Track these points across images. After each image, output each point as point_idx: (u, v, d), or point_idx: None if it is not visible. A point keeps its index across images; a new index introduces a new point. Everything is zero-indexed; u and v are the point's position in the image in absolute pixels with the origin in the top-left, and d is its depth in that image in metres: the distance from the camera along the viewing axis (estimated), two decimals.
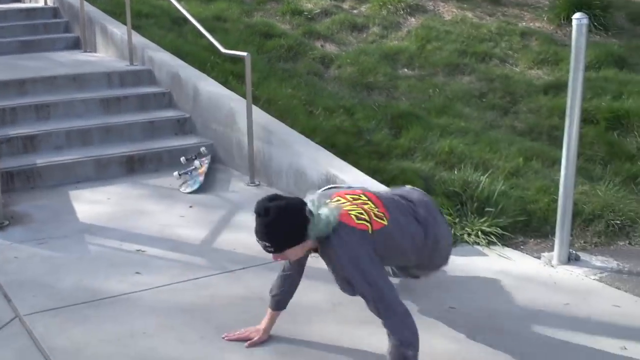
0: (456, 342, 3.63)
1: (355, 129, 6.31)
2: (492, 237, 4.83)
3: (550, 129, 6.35)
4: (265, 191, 5.82)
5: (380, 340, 3.60)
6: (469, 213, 5.03)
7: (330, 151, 5.72)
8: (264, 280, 4.25)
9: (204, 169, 5.93)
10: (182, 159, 6.03)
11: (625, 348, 3.59)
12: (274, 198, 3.16)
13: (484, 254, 4.69)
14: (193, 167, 5.95)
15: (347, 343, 3.59)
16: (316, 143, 5.85)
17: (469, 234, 4.86)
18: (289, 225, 3.11)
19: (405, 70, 7.75)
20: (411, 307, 3.94)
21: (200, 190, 5.77)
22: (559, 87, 6.90)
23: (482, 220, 4.95)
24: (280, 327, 3.70)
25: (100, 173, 6.08)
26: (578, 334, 3.72)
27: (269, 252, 3.16)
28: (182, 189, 5.78)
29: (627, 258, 4.70)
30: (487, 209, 5.03)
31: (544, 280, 4.35)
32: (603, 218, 5.07)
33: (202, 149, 6.14)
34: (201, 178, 5.85)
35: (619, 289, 4.26)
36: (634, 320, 3.89)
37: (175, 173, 5.91)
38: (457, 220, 4.98)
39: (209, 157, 6.11)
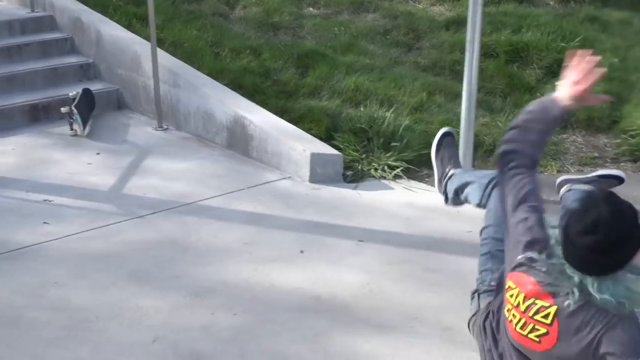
0: (366, 273, 3.76)
1: (262, 69, 6.30)
2: (398, 170, 4.97)
3: (452, 63, 6.48)
4: (173, 135, 5.80)
5: (291, 276, 3.71)
6: (376, 148, 5.14)
7: (238, 92, 5.73)
8: (175, 224, 4.29)
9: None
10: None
11: None
12: None
13: (391, 188, 4.82)
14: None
15: (260, 280, 3.67)
16: (224, 84, 5.84)
17: (376, 169, 4.98)
18: None
19: (311, 9, 7.74)
20: (320, 242, 4.07)
21: (96, 132, 5.73)
22: (460, 23, 7.00)
23: (388, 154, 5.07)
24: (194, 269, 3.76)
25: (4, 123, 5.92)
26: None
27: None
28: (84, 134, 5.71)
29: None
30: (392, 143, 5.14)
31: (447, 210, 4.47)
32: None
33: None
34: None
35: None
36: None
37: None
38: (364, 155, 5.09)
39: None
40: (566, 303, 2.33)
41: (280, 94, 5.95)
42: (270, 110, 5.47)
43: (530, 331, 2.46)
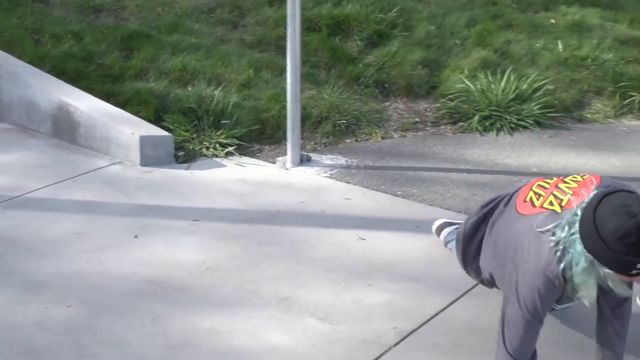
0: (202, 252, 3.81)
1: (85, 53, 6.14)
2: (230, 148, 5.02)
3: (277, 39, 6.55)
4: None
5: (126, 262, 3.70)
6: (206, 127, 5.17)
7: (61, 79, 5.57)
8: (1, 220, 4.14)
9: None
10: None
11: (362, 238, 3.91)
12: None
13: (223, 165, 4.87)
14: None
15: (94, 269, 3.63)
16: (46, 72, 5.67)
17: (208, 148, 5.01)
18: None
19: None
20: (154, 224, 4.08)
21: None
22: None
23: (219, 132, 5.11)
24: (24, 264, 3.67)
25: None
26: (315, 229, 4.02)
27: None
28: None
29: (355, 154, 5.10)
30: (222, 121, 5.18)
31: (279, 183, 4.63)
32: (330, 119, 5.42)
33: None
34: None
35: (348, 183, 4.63)
36: (364, 210, 4.27)
37: None
38: (194, 135, 5.11)
39: None
40: (551, 220, 2.41)
41: (106, 78, 5.83)
42: (96, 95, 5.37)
43: (536, 193, 2.58)
